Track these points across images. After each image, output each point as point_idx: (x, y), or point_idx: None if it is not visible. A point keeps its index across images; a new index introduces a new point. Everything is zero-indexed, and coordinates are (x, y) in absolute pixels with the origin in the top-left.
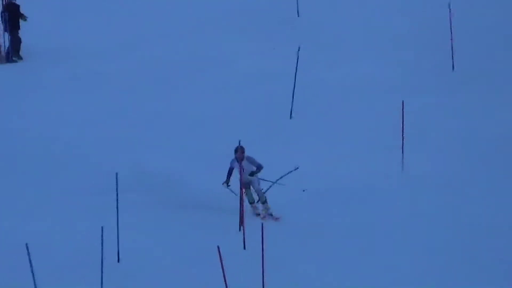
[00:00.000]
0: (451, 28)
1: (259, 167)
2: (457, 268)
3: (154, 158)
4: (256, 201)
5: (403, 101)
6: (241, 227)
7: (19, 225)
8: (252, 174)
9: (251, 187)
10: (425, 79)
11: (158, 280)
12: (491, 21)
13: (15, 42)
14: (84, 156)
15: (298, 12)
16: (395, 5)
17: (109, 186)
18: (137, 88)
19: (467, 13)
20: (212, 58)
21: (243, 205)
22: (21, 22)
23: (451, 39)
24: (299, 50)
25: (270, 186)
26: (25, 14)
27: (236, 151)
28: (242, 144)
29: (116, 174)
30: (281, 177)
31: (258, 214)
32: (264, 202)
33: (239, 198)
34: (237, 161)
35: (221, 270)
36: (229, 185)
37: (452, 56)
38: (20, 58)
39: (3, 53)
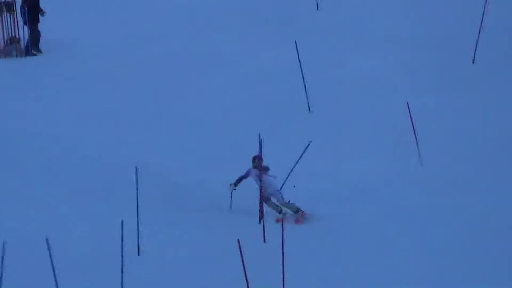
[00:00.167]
0: (482, 18)
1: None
2: (480, 267)
3: (161, 157)
4: (283, 212)
5: (405, 103)
6: (261, 221)
7: (38, 220)
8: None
9: (274, 200)
10: (442, 74)
11: (178, 273)
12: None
13: (35, 36)
14: (88, 154)
15: (317, 6)
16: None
17: (114, 184)
18: (139, 87)
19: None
20: (218, 56)
21: (262, 198)
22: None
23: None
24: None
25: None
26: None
27: (253, 160)
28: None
29: (136, 169)
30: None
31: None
32: (297, 211)
33: (258, 190)
34: (257, 171)
35: (241, 263)
36: (235, 189)
37: (475, 49)
38: (40, 51)
39: (22, 47)
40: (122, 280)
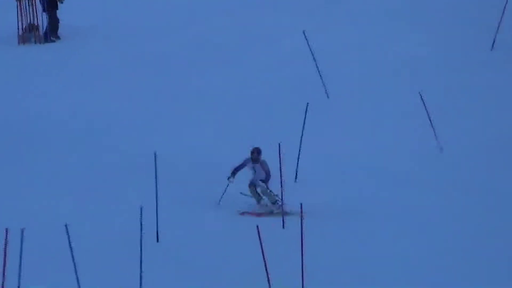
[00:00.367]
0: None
1: (268, 175)
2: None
3: (180, 143)
4: (262, 203)
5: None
6: (281, 206)
7: (57, 206)
8: (264, 182)
9: (257, 189)
10: (462, 57)
11: (197, 259)
12: None
13: (53, 22)
14: (123, 136)
15: None
16: None
17: (134, 169)
18: (180, 67)
19: None
20: (257, 35)
21: (282, 185)
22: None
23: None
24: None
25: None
26: None
27: (252, 152)
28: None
29: (155, 153)
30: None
31: (271, 212)
32: (274, 202)
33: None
34: (252, 162)
35: (260, 249)
36: (233, 181)
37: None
38: (58, 37)
39: (41, 33)
40: (141, 266)
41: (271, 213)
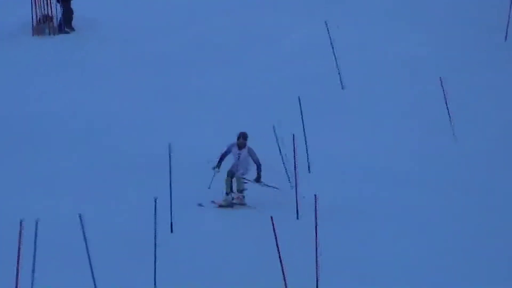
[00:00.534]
0: None
1: (259, 166)
2: None
3: (193, 135)
4: (232, 196)
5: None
6: (296, 198)
7: (71, 198)
8: (258, 180)
9: (235, 177)
10: (475, 51)
11: (211, 250)
12: None
13: (67, 13)
14: (120, 132)
15: None
16: None
17: (148, 161)
18: (180, 67)
19: None
20: (257, 35)
21: (296, 176)
22: None
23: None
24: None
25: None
26: None
27: (238, 137)
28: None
29: (169, 145)
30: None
31: (232, 204)
32: (241, 191)
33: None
34: (238, 148)
35: (274, 239)
36: (218, 171)
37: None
38: (72, 29)
39: (55, 24)
40: (155, 257)
41: (231, 205)
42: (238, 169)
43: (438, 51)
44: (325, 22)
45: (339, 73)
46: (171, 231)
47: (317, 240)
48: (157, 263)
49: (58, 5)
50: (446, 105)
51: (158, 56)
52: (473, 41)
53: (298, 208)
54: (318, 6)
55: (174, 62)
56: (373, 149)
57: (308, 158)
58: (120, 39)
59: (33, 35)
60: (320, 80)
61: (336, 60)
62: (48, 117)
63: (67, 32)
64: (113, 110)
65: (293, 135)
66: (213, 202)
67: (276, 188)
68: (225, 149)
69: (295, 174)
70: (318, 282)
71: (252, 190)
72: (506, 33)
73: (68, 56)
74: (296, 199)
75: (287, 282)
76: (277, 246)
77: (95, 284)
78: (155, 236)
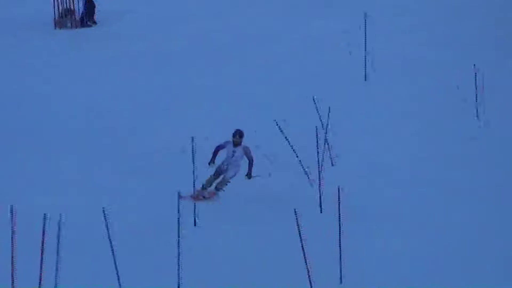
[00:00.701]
0: None
1: (251, 161)
2: None
3: (215, 129)
4: (211, 190)
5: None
6: (319, 191)
7: (95, 192)
8: (249, 176)
9: (221, 176)
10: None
11: (235, 242)
12: None
13: (90, 7)
14: (143, 126)
15: None
16: None
17: (171, 155)
18: (189, 64)
19: None
20: (261, 33)
21: (321, 168)
22: None
23: None
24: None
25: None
26: None
27: (234, 135)
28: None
29: (192, 138)
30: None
31: (202, 197)
32: (219, 190)
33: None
34: (233, 145)
35: (297, 233)
36: (213, 165)
37: None
38: (95, 22)
39: (77, 18)
40: (178, 250)
41: (203, 197)
42: (228, 168)
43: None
44: (364, 13)
45: (365, 65)
46: (194, 224)
47: (341, 234)
48: (180, 257)
49: None
50: (476, 99)
51: (164, 53)
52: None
53: (322, 202)
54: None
55: (181, 60)
56: (396, 143)
57: (329, 152)
58: (137, 34)
59: (55, 28)
60: (340, 72)
61: (365, 51)
62: (62, 111)
63: (89, 26)
64: (128, 105)
65: (316, 128)
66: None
67: (259, 176)
68: (220, 143)
69: (319, 167)
70: (342, 277)
71: (274, 185)
72: None
73: (85, 49)
74: (320, 192)
75: (311, 277)
76: (301, 240)
77: (118, 278)
78: (178, 230)
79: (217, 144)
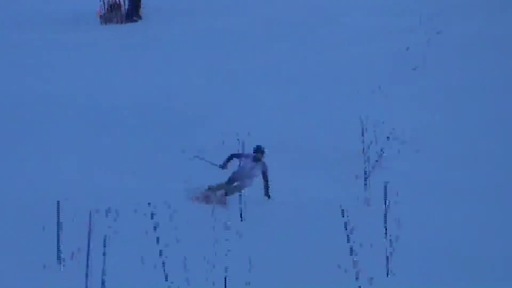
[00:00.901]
0: None
1: (267, 181)
2: None
3: (265, 118)
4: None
5: None
6: (366, 184)
7: (139, 185)
8: (268, 196)
9: (235, 183)
10: None
11: (281, 234)
12: None
13: (135, 2)
14: (188, 118)
15: None
16: None
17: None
18: (247, 46)
19: None
20: (325, 14)
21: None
22: None
23: None
24: None
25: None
26: None
27: (256, 151)
28: None
29: (248, 133)
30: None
31: (207, 200)
32: (229, 195)
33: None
34: (252, 160)
35: (343, 225)
36: (225, 168)
37: None
38: (140, 17)
39: (123, 13)
40: (226, 245)
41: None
42: (244, 179)
43: None
44: None
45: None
46: (241, 219)
47: (387, 227)
48: (228, 251)
49: None
50: None
51: (224, 36)
52: None
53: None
54: None
55: (238, 42)
56: (451, 130)
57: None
58: (184, 22)
59: (101, 23)
60: (393, 59)
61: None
62: (117, 99)
63: (135, 20)
64: (184, 91)
65: (362, 121)
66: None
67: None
68: (238, 152)
69: (367, 159)
70: (389, 270)
71: (317, 179)
72: None
73: (134, 41)
74: (366, 185)
75: (359, 270)
76: (347, 233)
77: (164, 270)
78: (226, 224)
79: (234, 152)
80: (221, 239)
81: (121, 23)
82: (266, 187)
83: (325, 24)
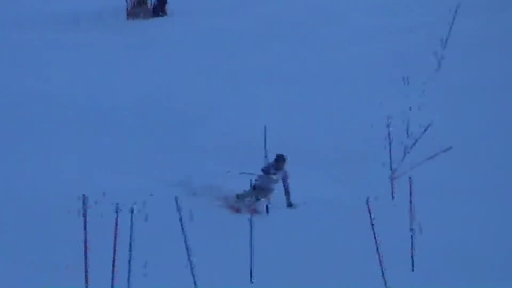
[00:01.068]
0: None
1: (288, 188)
2: None
3: (284, 116)
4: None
5: None
6: (392, 179)
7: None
8: (290, 204)
9: (261, 190)
10: None
11: (306, 230)
12: None
13: None
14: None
15: None
16: None
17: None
18: (247, 46)
19: None
20: (326, 14)
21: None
22: None
23: None
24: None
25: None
26: None
27: (278, 160)
28: None
29: (265, 127)
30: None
31: (237, 209)
32: (259, 200)
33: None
34: (275, 169)
35: (369, 221)
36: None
37: None
38: (165, 13)
39: (149, 8)
40: (251, 238)
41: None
42: (269, 186)
43: None
44: None
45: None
46: (267, 212)
47: (412, 221)
48: (253, 245)
49: None
50: None
51: (225, 35)
52: None
53: (394, 189)
54: None
55: (242, 41)
56: (451, 129)
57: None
58: (184, 22)
59: (127, 18)
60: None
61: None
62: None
63: (160, 16)
64: (184, 91)
65: (388, 117)
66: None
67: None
68: (265, 166)
69: (390, 155)
70: (414, 264)
71: (317, 179)
72: None
73: (163, 36)
74: (392, 179)
75: (383, 264)
76: (373, 228)
77: (190, 262)
78: (250, 219)
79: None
80: (236, 238)
81: (148, 18)
82: (287, 196)
83: (325, 24)
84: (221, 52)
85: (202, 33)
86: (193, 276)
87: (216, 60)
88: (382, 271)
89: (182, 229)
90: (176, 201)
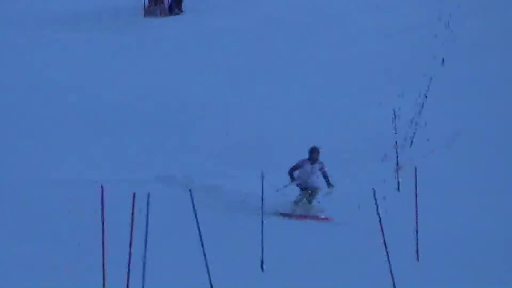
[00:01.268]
0: None
1: (327, 175)
2: None
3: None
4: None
5: None
6: (397, 172)
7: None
8: (331, 186)
9: (310, 190)
10: None
11: (312, 226)
12: None
13: None
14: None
15: None
16: None
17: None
18: (247, 45)
19: None
20: (328, 14)
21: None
22: None
23: None
24: None
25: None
26: None
27: (312, 152)
28: None
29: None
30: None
31: (294, 215)
32: (310, 202)
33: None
34: (310, 163)
35: (375, 212)
36: (291, 185)
37: None
38: (182, 10)
39: (166, 6)
40: (262, 236)
41: (304, 216)
42: (313, 182)
43: None
44: None
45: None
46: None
47: (417, 212)
48: (264, 247)
49: None
50: None
51: (230, 34)
52: None
53: (400, 180)
54: None
55: (242, 41)
56: (453, 127)
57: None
58: (227, 16)
59: (144, 16)
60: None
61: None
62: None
63: (177, 14)
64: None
65: (394, 111)
66: (281, 214)
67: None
68: (296, 163)
69: (396, 147)
70: (419, 254)
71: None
72: None
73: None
74: (397, 172)
75: (388, 253)
76: (379, 218)
77: (205, 257)
78: (262, 221)
79: (292, 165)
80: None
81: (164, 16)
82: (327, 180)
83: (325, 24)
84: (220, 53)
85: (206, 33)
86: (207, 267)
87: (215, 60)
88: (388, 260)
89: (197, 220)
90: (190, 194)
